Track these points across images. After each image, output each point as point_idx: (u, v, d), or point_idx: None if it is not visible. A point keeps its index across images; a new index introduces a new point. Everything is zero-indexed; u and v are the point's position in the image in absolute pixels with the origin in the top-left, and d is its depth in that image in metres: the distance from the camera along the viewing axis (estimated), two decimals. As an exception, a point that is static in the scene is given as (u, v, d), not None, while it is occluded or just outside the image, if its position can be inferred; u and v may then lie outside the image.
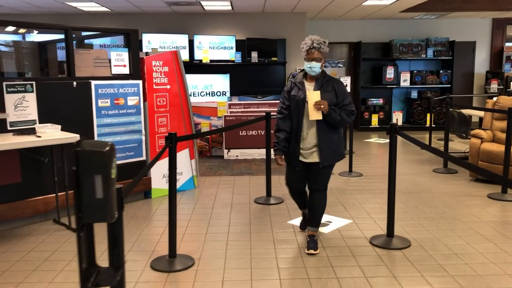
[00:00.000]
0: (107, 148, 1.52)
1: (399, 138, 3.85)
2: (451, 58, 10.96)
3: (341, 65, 11.59)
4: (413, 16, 10.69)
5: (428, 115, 10.82)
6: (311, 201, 3.75)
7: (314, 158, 3.59)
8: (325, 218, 4.46)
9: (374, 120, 11.07)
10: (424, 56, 11.03)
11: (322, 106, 3.43)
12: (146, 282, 3.23)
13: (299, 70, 3.69)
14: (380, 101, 11.16)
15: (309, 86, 3.58)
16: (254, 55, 9.70)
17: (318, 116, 3.47)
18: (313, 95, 3.46)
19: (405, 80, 11.05)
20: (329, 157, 3.58)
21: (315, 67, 3.49)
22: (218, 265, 3.49)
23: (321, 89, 3.50)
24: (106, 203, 1.56)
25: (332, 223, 4.41)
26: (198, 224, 4.45)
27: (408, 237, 3.98)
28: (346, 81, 8.38)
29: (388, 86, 11.08)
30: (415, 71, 11.07)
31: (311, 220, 3.77)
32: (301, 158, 3.64)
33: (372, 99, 11.14)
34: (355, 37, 11.32)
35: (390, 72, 10.95)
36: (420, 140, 3.92)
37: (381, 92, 11.26)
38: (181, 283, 3.23)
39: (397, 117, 10.98)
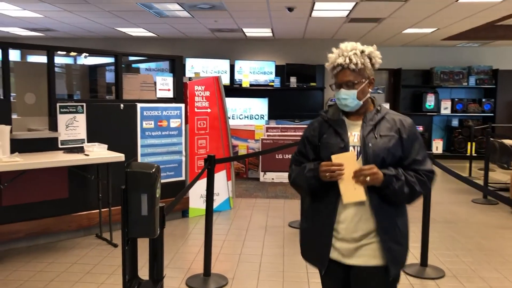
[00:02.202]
0: (153, 170, 1.67)
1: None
2: (494, 86, 10.76)
3: (380, 91, 11.59)
4: (455, 44, 10.62)
5: (469, 144, 10.60)
6: None
7: (365, 257, 1.96)
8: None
9: (413, 147, 10.92)
10: (466, 84, 10.87)
11: (367, 178, 1.89)
12: (181, 299, 3.35)
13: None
14: (420, 128, 11.03)
15: (353, 127, 2.03)
16: (293, 80, 9.87)
17: (358, 196, 1.92)
18: (345, 158, 1.93)
19: (445, 108, 10.91)
20: (400, 256, 1.99)
21: (345, 97, 1.98)
22: (250, 286, 3.57)
23: (374, 133, 1.97)
24: (150, 220, 1.70)
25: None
26: (232, 244, 4.56)
27: (443, 267, 3.94)
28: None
29: (428, 114, 10.96)
30: (456, 99, 10.91)
31: None
32: (335, 256, 2.00)
33: (411, 126, 11.02)
34: (395, 63, 11.31)
35: (430, 100, 10.85)
36: (460, 169, 3.91)
37: (421, 119, 11.13)
38: (214, 301, 3.33)
39: (437, 145, 10.81)
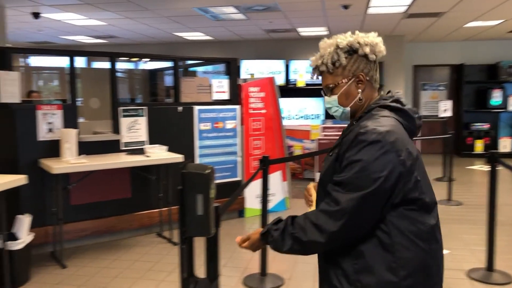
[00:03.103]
0: (208, 171, 1.72)
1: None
2: None
3: (442, 88, 11.14)
4: (523, 35, 10.01)
5: (541, 141, 9.95)
6: None
7: None
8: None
9: (478, 146, 10.42)
10: (537, 78, 10.22)
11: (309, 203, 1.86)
12: (238, 297, 3.40)
13: (390, 96, 1.61)
14: (485, 126, 10.50)
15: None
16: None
17: None
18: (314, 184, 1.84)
19: (514, 103, 10.31)
20: None
21: (328, 106, 1.68)
22: (306, 287, 3.56)
23: (334, 150, 1.63)
24: (205, 220, 1.75)
25: (426, 252, 4.26)
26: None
27: (510, 273, 3.73)
28: (447, 105, 8.06)
29: (494, 110, 10.40)
30: (525, 94, 10.29)
31: None
32: None
33: (476, 124, 10.52)
34: (458, 59, 10.83)
35: (496, 96, 10.29)
36: (525, 169, 3.69)
37: (486, 116, 10.59)
38: (270, 301, 3.35)
39: (505, 144, 10.24)
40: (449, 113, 8.09)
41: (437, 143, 10.39)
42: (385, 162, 1.42)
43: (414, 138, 1.65)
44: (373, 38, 1.62)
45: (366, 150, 1.43)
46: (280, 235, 1.57)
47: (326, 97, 1.66)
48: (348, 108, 1.63)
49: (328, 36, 1.67)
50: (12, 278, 3.49)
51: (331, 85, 1.62)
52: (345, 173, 1.46)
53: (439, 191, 6.86)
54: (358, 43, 1.59)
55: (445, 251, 4.27)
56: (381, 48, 1.62)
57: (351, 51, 1.59)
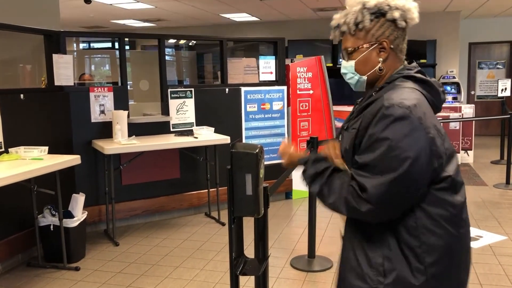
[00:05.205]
0: (257, 150, 1.68)
1: None
2: None
3: (500, 67, 10.56)
4: None
5: None
6: None
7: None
8: (475, 232, 4.15)
9: (540, 127, 9.83)
10: None
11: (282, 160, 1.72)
12: (286, 279, 3.39)
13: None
14: (548, 106, 9.87)
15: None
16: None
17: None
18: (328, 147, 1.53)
19: None
20: None
21: (344, 72, 1.52)
22: (356, 270, 3.50)
23: (349, 124, 1.48)
24: (255, 200, 1.72)
25: (483, 238, 4.09)
26: (337, 227, 4.50)
27: None
28: (506, 84, 7.63)
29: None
30: None
31: None
32: None
33: (538, 104, 9.91)
34: (518, 35, 10.21)
35: (561, 73, 9.63)
36: None
37: (549, 95, 9.95)
38: (319, 283, 3.32)
39: None
40: (508, 93, 7.66)
41: (494, 124, 9.89)
42: (415, 140, 1.27)
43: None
44: (406, 2, 1.43)
45: (393, 126, 1.28)
46: (312, 177, 1.48)
47: (343, 62, 1.50)
48: (364, 77, 1.47)
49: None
50: (69, 254, 3.64)
51: (349, 49, 1.46)
52: (369, 153, 1.31)
53: (497, 174, 6.53)
54: (388, 5, 1.40)
55: (502, 237, 4.08)
56: (414, 15, 1.43)
57: (378, 13, 1.41)
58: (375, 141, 1.30)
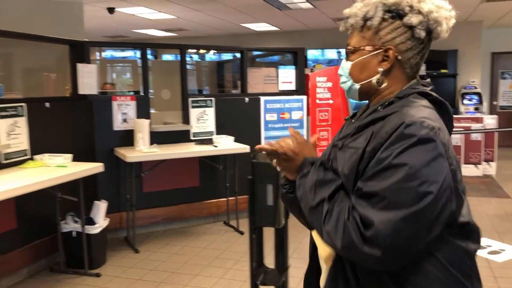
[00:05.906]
0: (278, 161, 1.70)
1: None
2: None
3: (523, 76, 10.38)
4: None
5: None
6: None
7: None
8: (497, 245, 4.08)
9: None
10: None
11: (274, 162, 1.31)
12: (304, 289, 3.38)
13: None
14: None
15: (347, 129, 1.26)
16: (422, 67, 9.27)
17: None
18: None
19: None
20: None
21: (339, 73, 1.26)
22: (375, 282, 3.46)
23: (344, 141, 1.19)
24: (275, 210, 1.74)
25: (505, 251, 4.01)
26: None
27: None
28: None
29: None
30: None
31: None
32: None
33: None
34: (543, 44, 10.04)
35: None
36: None
37: None
38: (338, 294, 3.29)
39: None
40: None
41: (518, 135, 9.72)
42: (437, 170, 1.01)
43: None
44: (438, 9, 1.13)
45: (414, 150, 1.01)
46: (315, 184, 1.13)
47: (343, 61, 1.25)
48: (357, 86, 1.21)
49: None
50: (90, 261, 3.70)
51: (350, 47, 1.21)
52: (380, 180, 1.01)
53: (520, 186, 6.41)
54: (410, 6, 1.13)
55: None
56: (441, 27, 1.15)
57: (395, 13, 1.14)
58: (389, 166, 1.02)
